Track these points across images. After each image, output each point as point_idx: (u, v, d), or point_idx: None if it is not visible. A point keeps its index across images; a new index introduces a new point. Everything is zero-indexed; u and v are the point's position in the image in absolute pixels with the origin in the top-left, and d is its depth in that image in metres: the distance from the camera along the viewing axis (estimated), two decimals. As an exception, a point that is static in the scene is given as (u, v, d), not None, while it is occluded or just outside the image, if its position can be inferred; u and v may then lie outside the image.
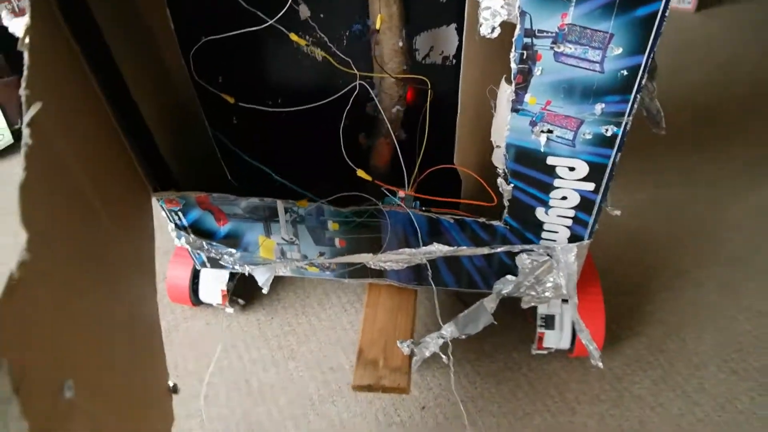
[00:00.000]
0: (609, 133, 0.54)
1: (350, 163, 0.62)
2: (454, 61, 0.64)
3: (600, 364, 0.70)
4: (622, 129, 0.54)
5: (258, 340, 0.88)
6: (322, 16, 0.59)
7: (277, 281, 0.96)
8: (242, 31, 0.55)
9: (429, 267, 0.72)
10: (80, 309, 0.46)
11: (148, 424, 0.56)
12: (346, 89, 0.62)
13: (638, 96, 0.51)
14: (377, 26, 0.52)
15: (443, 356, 0.72)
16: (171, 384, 0.59)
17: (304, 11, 0.59)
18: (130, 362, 0.54)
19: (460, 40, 0.62)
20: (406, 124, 0.71)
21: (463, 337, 0.73)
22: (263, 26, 0.54)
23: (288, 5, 0.54)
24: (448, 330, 0.73)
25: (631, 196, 1.09)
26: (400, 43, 0.57)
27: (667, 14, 0.45)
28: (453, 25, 0.60)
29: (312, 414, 0.80)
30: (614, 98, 0.52)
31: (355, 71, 0.59)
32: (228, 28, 0.57)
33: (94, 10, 0.51)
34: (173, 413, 0.59)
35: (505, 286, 0.74)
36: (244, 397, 0.82)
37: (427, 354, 0.74)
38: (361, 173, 0.63)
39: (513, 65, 0.51)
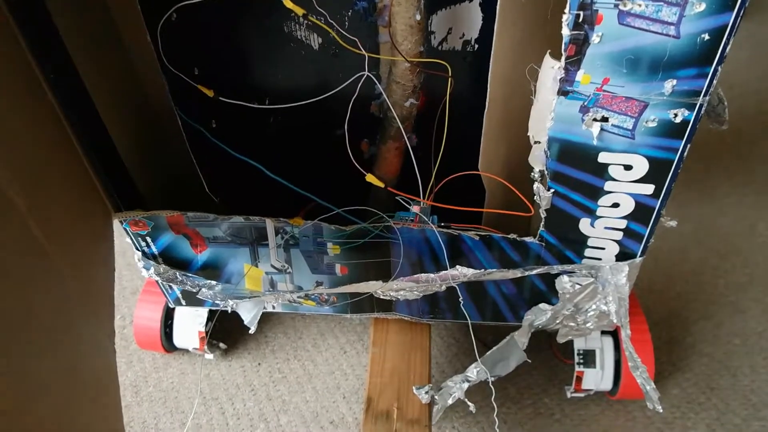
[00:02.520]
0: (678, 119, 0.44)
1: (358, 166, 0.51)
2: (477, 46, 0.54)
3: (659, 408, 0.58)
4: (695, 113, 0.44)
5: (243, 391, 0.75)
6: (319, -11, 0.49)
7: (264, 320, 0.83)
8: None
9: (453, 295, 0.60)
10: (11, 366, 0.34)
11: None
12: (351, 79, 0.51)
13: (719, 68, 0.41)
14: (397, -16, 0.42)
15: (470, 404, 0.60)
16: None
17: (299, -17, 0.48)
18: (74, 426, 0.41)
19: (485, 19, 0.52)
20: (417, 128, 0.60)
21: (492, 379, 0.61)
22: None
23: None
24: (474, 372, 0.61)
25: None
26: (418, 17, 0.46)
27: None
28: (477, 0, 0.50)
29: (310, 479, 0.66)
30: (689, 72, 0.41)
31: (363, 52, 0.49)
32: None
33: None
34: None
35: (538, 317, 0.63)
36: (228, 462, 0.68)
37: (450, 402, 0.61)
38: (371, 178, 0.52)
39: (564, 31, 0.41)
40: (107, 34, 0.48)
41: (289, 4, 0.45)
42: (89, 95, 0.47)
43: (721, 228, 0.96)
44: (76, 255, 0.46)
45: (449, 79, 0.51)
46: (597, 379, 0.68)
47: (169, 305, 0.69)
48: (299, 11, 0.47)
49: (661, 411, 0.59)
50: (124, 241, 0.59)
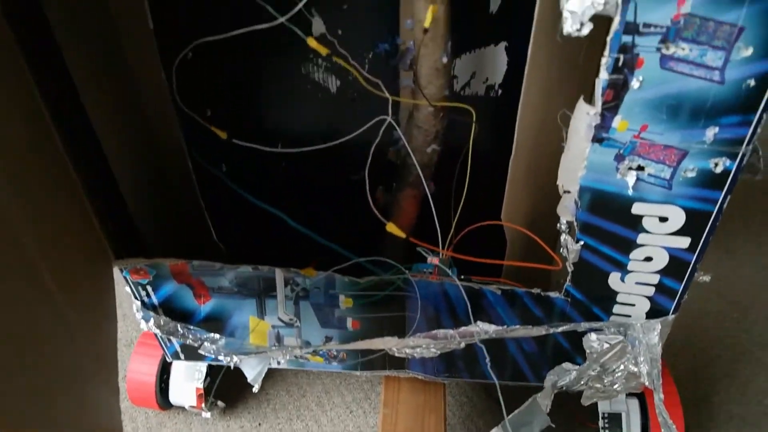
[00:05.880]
0: (719, 169, 0.42)
1: (378, 215, 0.48)
2: (501, 91, 0.52)
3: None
4: (736, 163, 0.41)
5: (242, 454, 0.70)
6: (340, 32, 0.47)
7: (265, 377, 0.78)
8: (243, 30, 0.42)
9: (471, 353, 0.57)
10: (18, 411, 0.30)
11: None
12: (371, 123, 0.49)
13: (764, 116, 0.39)
14: (427, 23, 0.40)
15: (490, 472, 0.55)
16: None
17: (319, 25, 0.46)
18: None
19: (511, 63, 0.50)
20: (435, 176, 0.58)
21: (514, 445, 0.57)
22: (272, 24, 0.41)
23: (301, 4, 0.42)
24: (495, 437, 0.57)
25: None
26: (444, 59, 0.44)
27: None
28: (502, 44, 0.49)
29: None
30: (732, 119, 0.39)
31: (386, 95, 0.47)
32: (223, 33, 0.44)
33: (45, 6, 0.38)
34: None
35: (562, 377, 0.59)
36: None
37: (469, 470, 0.57)
38: (392, 228, 0.49)
39: (603, 75, 0.39)
40: (118, 72, 0.46)
41: (313, 44, 0.43)
42: (96, 135, 0.44)
43: (740, 279, 0.93)
44: (84, 304, 0.43)
45: (473, 125, 0.49)
46: (623, 445, 0.64)
47: (167, 359, 0.65)
48: (323, 51, 0.45)
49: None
50: (122, 291, 0.56)
